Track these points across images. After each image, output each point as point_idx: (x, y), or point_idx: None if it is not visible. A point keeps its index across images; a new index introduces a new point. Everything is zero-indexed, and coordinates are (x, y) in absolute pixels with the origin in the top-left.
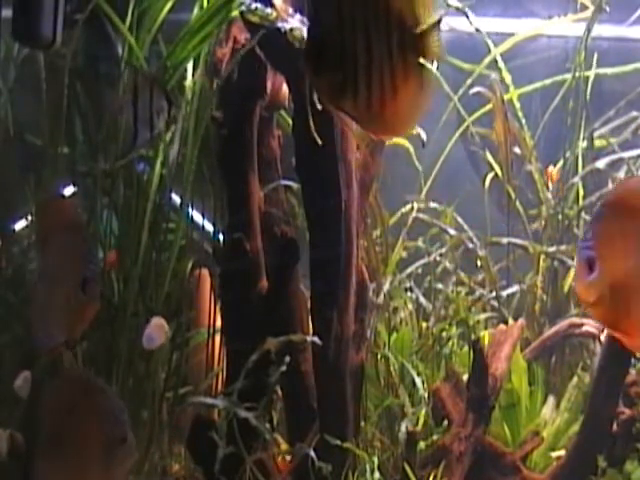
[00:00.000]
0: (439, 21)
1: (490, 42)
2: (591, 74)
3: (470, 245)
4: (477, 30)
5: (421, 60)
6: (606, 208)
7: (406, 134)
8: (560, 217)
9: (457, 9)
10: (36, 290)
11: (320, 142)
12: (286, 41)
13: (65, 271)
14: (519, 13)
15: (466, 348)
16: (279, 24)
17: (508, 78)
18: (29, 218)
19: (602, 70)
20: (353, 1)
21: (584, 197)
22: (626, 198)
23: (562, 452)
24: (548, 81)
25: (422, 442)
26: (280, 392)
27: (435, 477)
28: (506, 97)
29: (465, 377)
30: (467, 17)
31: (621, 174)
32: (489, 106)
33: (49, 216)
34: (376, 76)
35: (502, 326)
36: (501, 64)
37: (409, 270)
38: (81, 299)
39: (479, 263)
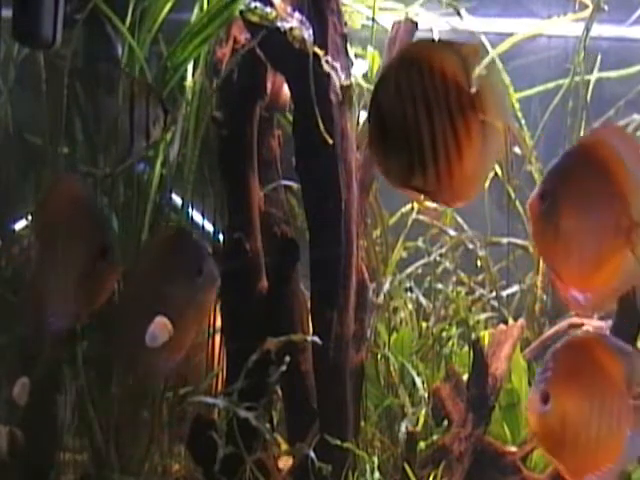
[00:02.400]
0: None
1: (490, 42)
2: (593, 77)
3: (470, 245)
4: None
5: (481, 118)
6: None
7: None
8: None
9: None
10: (41, 273)
11: (323, 142)
12: (286, 41)
13: (78, 246)
14: (519, 13)
15: (466, 348)
16: (279, 23)
17: (508, 79)
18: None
19: (605, 74)
20: (410, 76)
21: None
22: None
23: None
24: (551, 85)
25: (422, 442)
26: (280, 392)
27: (435, 477)
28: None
29: (465, 377)
30: (459, 14)
31: None
32: None
33: (53, 195)
34: (441, 145)
35: (502, 326)
36: (501, 65)
37: (409, 270)
38: (102, 267)
39: (479, 263)
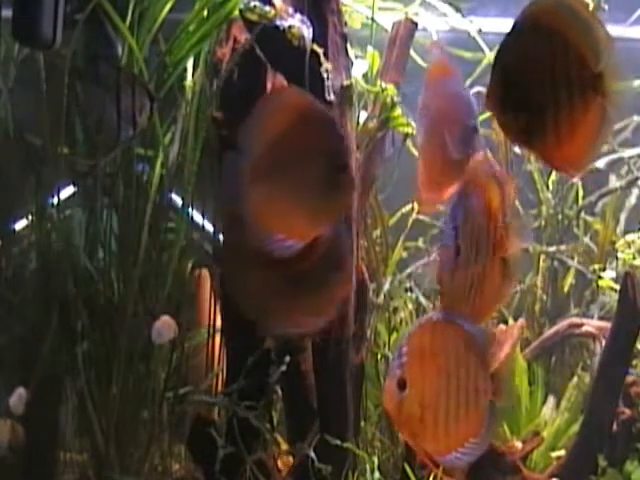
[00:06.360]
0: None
1: (490, 43)
2: None
3: None
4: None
5: (600, 100)
6: None
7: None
8: (560, 217)
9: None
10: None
11: None
12: (286, 40)
13: (319, 161)
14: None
15: None
16: (278, 22)
17: None
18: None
19: None
20: (533, 43)
21: (584, 197)
22: None
23: (562, 452)
24: None
25: None
26: (280, 392)
27: (435, 477)
28: None
29: None
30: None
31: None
32: None
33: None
34: (557, 115)
35: (502, 326)
36: None
37: (409, 270)
38: (343, 181)
39: None
